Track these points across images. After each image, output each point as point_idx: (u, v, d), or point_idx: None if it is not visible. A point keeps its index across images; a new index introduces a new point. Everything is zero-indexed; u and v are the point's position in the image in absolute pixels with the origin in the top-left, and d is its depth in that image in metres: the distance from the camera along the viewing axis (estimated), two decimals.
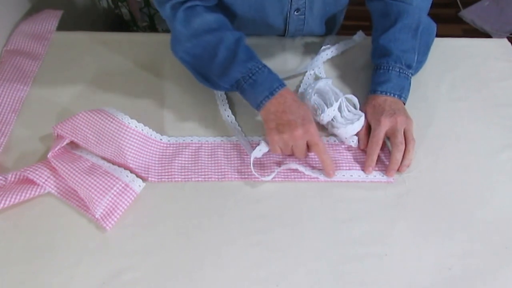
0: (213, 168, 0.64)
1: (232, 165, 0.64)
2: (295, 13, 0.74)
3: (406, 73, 0.69)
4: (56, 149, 0.62)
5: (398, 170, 0.63)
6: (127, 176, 0.61)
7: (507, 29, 1.89)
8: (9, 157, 0.65)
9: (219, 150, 0.66)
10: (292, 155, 0.64)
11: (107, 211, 0.58)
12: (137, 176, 0.62)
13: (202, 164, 0.64)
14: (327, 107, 0.66)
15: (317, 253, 0.56)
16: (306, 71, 0.77)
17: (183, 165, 0.64)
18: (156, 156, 0.65)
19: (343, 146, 0.67)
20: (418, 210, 0.60)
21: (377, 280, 0.54)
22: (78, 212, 0.59)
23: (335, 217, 0.59)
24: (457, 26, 1.97)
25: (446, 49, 0.82)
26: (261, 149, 0.64)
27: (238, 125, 0.69)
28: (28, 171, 0.59)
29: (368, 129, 0.67)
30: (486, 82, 0.77)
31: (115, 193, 0.59)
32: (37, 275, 0.53)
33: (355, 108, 0.69)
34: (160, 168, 0.64)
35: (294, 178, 0.63)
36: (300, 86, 0.75)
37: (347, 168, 0.64)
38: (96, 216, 0.57)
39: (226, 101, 0.72)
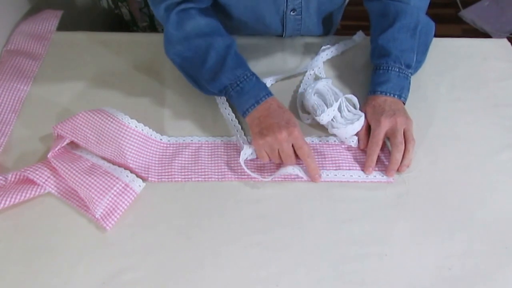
0: (213, 168, 0.64)
1: (232, 165, 0.64)
2: (291, 13, 0.74)
3: (406, 73, 0.69)
4: (56, 149, 0.62)
5: (398, 170, 0.63)
6: (127, 176, 0.61)
7: (507, 29, 1.89)
8: (9, 157, 0.65)
9: (219, 150, 0.66)
10: (281, 162, 0.63)
11: (107, 211, 0.58)
12: (137, 176, 0.62)
13: (202, 164, 0.64)
14: (327, 107, 0.66)
15: (317, 253, 0.56)
16: (306, 71, 0.77)
17: (183, 165, 0.64)
18: (156, 156, 0.65)
19: (343, 146, 0.67)
20: (418, 210, 0.60)
21: (377, 280, 0.54)
22: (78, 212, 0.59)
23: (335, 217, 0.59)
24: (457, 26, 1.97)
25: (446, 49, 0.82)
26: (246, 153, 0.64)
27: (238, 123, 0.69)
28: (28, 171, 0.59)
29: (368, 129, 0.67)
30: (486, 82, 0.77)
31: (115, 193, 0.59)
32: (37, 275, 0.53)
33: (355, 108, 0.69)
34: (160, 168, 0.64)
35: (294, 178, 0.63)
36: (300, 86, 0.75)
37: (347, 168, 0.64)
38: (96, 216, 0.57)
39: (226, 100, 0.72)
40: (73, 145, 0.65)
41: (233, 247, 0.56)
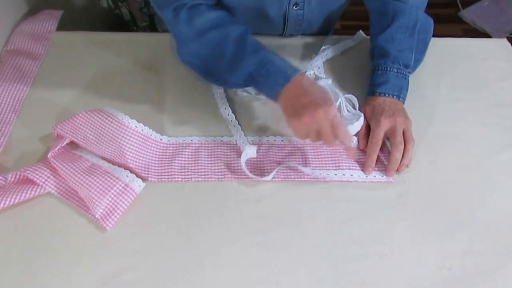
0: (213, 168, 0.64)
1: (232, 165, 0.64)
2: (294, 7, 0.74)
3: (404, 72, 0.70)
4: (56, 149, 0.62)
5: (397, 170, 0.63)
6: (127, 176, 0.61)
7: (507, 29, 1.89)
8: (9, 157, 0.65)
9: (219, 150, 0.66)
10: (324, 143, 0.60)
11: (107, 211, 0.58)
12: (137, 176, 0.62)
13: (202, 164, 0.64)
14: None
15: (317, 253, 0.56)
16: (306, 71, 0.77)
17: (183, 165, 0.64)
18: (156, 156, 0.65)
19: (343, 146, 0.67)
20: (418, 210, 0.60)
21: (377, 280, 0.54)
22: (78, 212, 0.59)
23: (335, 217, 0.59)
24: (457, 26, 1.97)
25: (446, 49, 0.82)
26: (247, 154, 0.64)
27: (238, 123, 0.69)
28: (28, 171, 0.59)
29: (368, 129, 0.67)
30: (486, 82, 0.77)
31: (115, 193, 0.59)
32: (37, 275, 0.53)
33: (354, 108, 0.69)
34: (160, 168, 0.64)
35: (294, 178, 0.63)
36: None
37: (347, 168, 0.64)
38: (96, 216, 0.57)
39: (226, 100, 0.72)
40: (73, 145, 0.65)
41: (233, 247, 0.56)
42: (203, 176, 0.63)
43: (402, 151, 0.63)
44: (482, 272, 0.54)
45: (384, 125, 0.64)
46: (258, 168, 0.64)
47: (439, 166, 0.65)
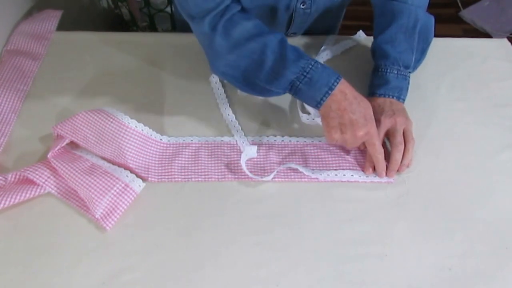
0: (213, 168, 0.64)
1: (232, 165, 0.64)
2: (301, 6, 0.74)
3: (404, 73, 0.70)
4: (56, 149, 0.62)
5: (397, 170, 0.63)
6: (127, 176, 0.61)
7: (507, 29, 1.89)
8: (9, 157, 0.65)
9: (219, 150, 0.66)
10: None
11: (107, 211, 0.58)
12: (137, 176, 0.62)
13: (202, 164, 0.64)
14: None
15: (317, 253, 0.56)
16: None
17: (183, 165, 0.64)
18: (156, 156, 0.65)
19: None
20: (418, 210, 0.60)
21: (377, 280, 0.54)
22: (78, 212, 0.59)
23: (335, 217, 0.59)
24: (457, 26, 1.97)
25: (446, 49, 0.82)
26: (247, 154, 0.64)
27: (238, 123, 0.69)
28: (28, 171, 0.59)
29: None
30: (486, 82, 0.77)
31: (115, 193, 0.59)
32: (37, 275, 0.53)
33: None
34: (160, 168, 0.64)
35: (294, 178, 0.63)
36: None
37: (347, 168, 0.64)
38: (96, 216, 0.57)
39: (226, 100, 0.72)
40: (73, 145, 0.65)
41: (233, 247, 0.56)
42: (203, 176, 0.63)
43: (403, 151, 0.63)
44: (482, 272, 0.54)
45: (385, 125, 0.64)
46: (258, 168, 0.64)
47: (439, 166, 0.65)
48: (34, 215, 0.59)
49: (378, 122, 0.65)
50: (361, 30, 0.85)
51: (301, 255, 0.56)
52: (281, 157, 0.66)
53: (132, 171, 0.62)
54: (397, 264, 0.55)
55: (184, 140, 0.67)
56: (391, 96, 0.68)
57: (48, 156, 0.61)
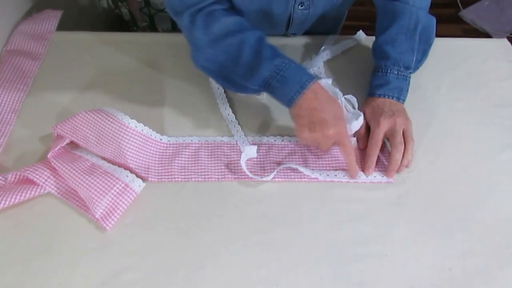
0: (213, 168, 0.64)
1: (232, 165, 0.64)
2: (299, 7, 0.74)
3: (405, 74, 0.70)
4: (56, 149, 0.62)
5: (397, 170, 0.63)
6: (127, 176, 0.61)
7: (507, 29, 1.89)
8: (9, 157, 0.65)
9: (219, 150, 0.66)
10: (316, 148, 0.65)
11: (107, 211, 0.58)
12: (137, 176, 0.62)
13: (202, 164, 0.64)
14: None
15: (317, 253, 0.56)
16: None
17: (183, 165, 0.64)
18: (156, 156, 0.65)
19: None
20: (418, 210, 0.60)
21: (377, 280, 0.54)
22: (78, 212, 0.59)
23: (335, 217, 0.59)
24: (457, 26, 1.97)
25: (446, 49, 0.82)
26: (246, 154, 0.64)
27: (238, 123, 0.69)
28: (28, 171, 0.59)
29: (368, 130, 0.67)
30: (486, 82, 0.77)
31: (115, 193, 0.59)
32: (37, 275, 0.53)
33: (354, 108, 0.69)
34: (160, 168, 0.64)
35: (294, 178, 0.63)
36: None
37: (347, 168, 0.64)
38: (96, 216, 0.57)
39: (226, 100, 0.72)
40: (73, 145, 0.65)
41: (233, 247, 0.56)
42: (203, 176, 0.63)
43: (402, 151, 0.63)
44: (482, 272, 0.54)
45: (384, 126, 0.64)
46: (258, 168, 0.64)
47: (439, 166, 0.65)
48: (34, 215, 0.58)
49: (377, 122, 0.65)
50: (361, 30, 0.85)
51: (301, 255, 0.56)
52: (281, 157, 0.65)
53: (132, 171, 0.62)
54: (397, 264, 0.55)
55: (184, 140, 0.67)
56: (391, 97, 0.68)
57: (48, 156, 0.61)
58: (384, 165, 0.65)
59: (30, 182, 0.60)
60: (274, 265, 0.55)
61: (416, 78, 0.75)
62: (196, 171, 0.63)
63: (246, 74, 0.63)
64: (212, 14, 0.64)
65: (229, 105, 0.72)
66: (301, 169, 0.62)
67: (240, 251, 0.56)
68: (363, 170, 0.64)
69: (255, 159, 0.65)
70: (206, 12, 0.64)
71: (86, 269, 0.54)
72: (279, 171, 0.63)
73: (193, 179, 0.63)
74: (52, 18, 0.86)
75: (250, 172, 0.63)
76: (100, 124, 0.62)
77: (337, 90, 0.69)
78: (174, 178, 0.63)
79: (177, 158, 0.65)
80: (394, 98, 0.68)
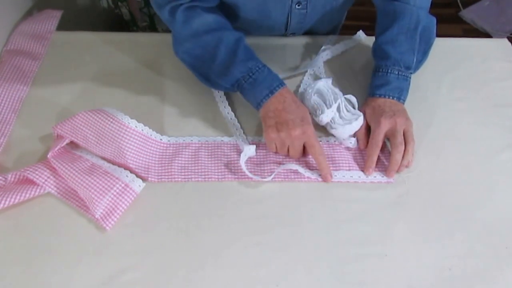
0: (213, 168, 0.64)
1: (232, 165, 0.64)
2: (296, 6, 0.74)
3: (405, 74, 0.70)
4: (56, 149, 0.62)
5: (397, 170, 0.63)
6: (127, 176, 0.61)
7: (507, 29, 1.89)
8: (9, 157, 0.65)
9: (219, 150, 0.66)
10: (287, 155, 0.65)
11: (107, 211, 0.58)
12: (137, 176, 0.62)
13: (202, 164, 0.64)
14: (327, 108, 0.66)
15: (317, 253, 0.56)
16: (306, 71, 0.77)
17: (183, 165, 0.64)
18: (156, 156, 0.65)
19: (342, 146, 0.67)
20: (418, 210, 0.60)
21: (377, 280, 0.54)
22: (78, 212, 0.59)
23: (335, 217, 0.59)
24: (457, 26, 1.97)
25: (446, 49, 0.82)
26: (246, 154, 0.64)
27: (238, 123, 0.69)
28: (28, 171, 0.59)
29: (368, 130, 0.67)
30: (486, 82, 0.77)
31: (115, 193, 0.59)
32: (37, 275, 0.53)
33: (354, 108, 0.69)
34: (160, 168, 0.64)
35: (294, 178, 0.63)
36: (300, 86, 0.75)
37: (347, 168, 0.64)
38: (96, 216, 0.57)
39: (226, 100, 0.72)
40: (73, 145, 0.65)
41: (233, 247, 0.56)
42: (203, 176, 0.63)
43: (403, 152, 0.63)
44: (482, 272, 0.54)
45: (385, 126, 0.64)
46: (258, 169, 0.64)
47: (439, 166, 0.65)
48: (34, 215, 0.58)
49: (378, 123, 0.65)
50: (361, 30, 0.85)
51: (301, 255, 0.56)
52: (281, 157, 0.65)
53: (132, 171, 0.62)
54: (397, 264, 0.55)
55: (184, 140, 0.67)
56: (391, 97, 0.68)
57: (48, 156, 0.61)
58: (384, 165, 0.65)
59: (30, 182, 0.59)
60: (274, 265, 0.55)
61: (416, 78, 0.75)
62: (196, 171, 0.63)
63: (220, 72, 0.66)
64: (193, 9, 0.66)
65: (229, 105, 0.72)
66: (300, 169, 0.62)
67: (240, 251, 0.56)
68: (363, 170, 0.64)
69: (255, 159, 0.65)
70: (187, 6, 0.65)
71: (86, 269, 0.54)
72: (279, 171, 0.63)
73: (193, 179, 0.63)
74: (52, 18, 0.86)
75: (250, 172, 0.63)
76: (100, 124, 0.62)
77: (337, 90, 0.69)
78: (174, 178, 0.63)
79: (177, 158, 0.65)
80: (395, 98, 0.68)
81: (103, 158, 0.63)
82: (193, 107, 0.72)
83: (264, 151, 0.66)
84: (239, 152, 0.65)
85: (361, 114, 0.67)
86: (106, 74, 0.77)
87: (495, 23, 1.91)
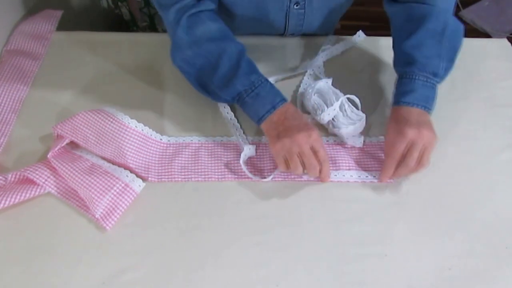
0: (213, 168, 0.64)
1: (232, 165, 0.64)
2: (295, 7, 0.74)
3: (432, 82, 0.64)
4: (56, 149, 0.62)
5: (392, 176, 0.62)
6: (127, 176, 0.61)
7: (507, 29, 1.89)
8: (9, 157, 0.65)
9: (219, 150, 0.66)
10: (301, 172, 0.60)
11: (107, 211, 0.58)
12: (137, 176, 0.62)
13: (202, 164, 0.64)
14: (327, 107, 0.66)
15: (317, 253, 0.56)
16: (306, 71, 0.77)
17: (183, 165, 0.64)
18: (156, 156, 0.65)
19: (343, 146, 0.67)
20: (418, 210, 0.60)
21: (377, 280, 0.54)
22: (78, 212, 0.59)
23: (335, 217, 0.59)
24: None
25: None
26: (246, 154, 0.64)
27: (238, 123, 0.69)
28: (28, 171, 0.59)
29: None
30: (486, 82, 0.77)
31: (115, 193, 0.59)
32: (37, 275, 0.53)
33: (357, 108, 0.69)
34: (160, 168, 0.64)
35: (294, 178, 0.63)
36: (300, 86, 0.75)
37: (347, 168, 0.64)
38: (96, 216, 0.57)
39: None
40: (73, 145, 0.65)
41: (233, 247, 0.56)
42: (203, 176, 0.63)
43: (410, 170, 0.60)
44: (482, 272, 0.54)
45: (407, 136, 0.59)
46: (258, 169, 0.64)
47: (439, 166, 0.65)
48: (34, 215, 0.59)
49: (401, 133, 0.60)
50: (361, 30, 0.85)
51: (301, 255, 0.56)
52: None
53: (132, 171, 0.62)
54: (397, 264, 0.55)
55: (184, 140, 0.67)
56: (417, 106, 0.62)
57: (48, 156, 0.61)
58: None
59: (30, 182, 0.60)
60: (274, 265, 0.55)
61: None
62: (196, 171, 0.63)
63: (221, 84, 0.64)
64: (197, 16, 0.64)
65: (229, 105, 0.72)
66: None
67: (240, 251, 0.56)
68: (363, 169, 0.64)
69: (255, 159, 0.65)
70: (193, 12, 0.64)
71: (86, 269, 0.54)
72: (279, 171, 0.63)
73: (193, 179, 0.63)
74: (52, 18, 0.86)
75: (250, 172, 0.63)
76: (100, 124, 0.62)
77: (338, 91, 0.69)
78: (174, 178, 0.63)
79: (177, 158, 0.65)
80: (421, 107, 0.62)
81: (103, 158, 0.63)
82: (193, 107, 0.72)
83: (265, 151, 0.66)
84: (239, 152, 0.65)
85: (364, 115, 0.66)
86: (106, 74, 0.77)
87: (495, 23, 1.91)
